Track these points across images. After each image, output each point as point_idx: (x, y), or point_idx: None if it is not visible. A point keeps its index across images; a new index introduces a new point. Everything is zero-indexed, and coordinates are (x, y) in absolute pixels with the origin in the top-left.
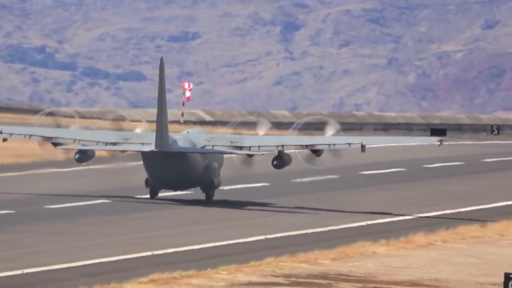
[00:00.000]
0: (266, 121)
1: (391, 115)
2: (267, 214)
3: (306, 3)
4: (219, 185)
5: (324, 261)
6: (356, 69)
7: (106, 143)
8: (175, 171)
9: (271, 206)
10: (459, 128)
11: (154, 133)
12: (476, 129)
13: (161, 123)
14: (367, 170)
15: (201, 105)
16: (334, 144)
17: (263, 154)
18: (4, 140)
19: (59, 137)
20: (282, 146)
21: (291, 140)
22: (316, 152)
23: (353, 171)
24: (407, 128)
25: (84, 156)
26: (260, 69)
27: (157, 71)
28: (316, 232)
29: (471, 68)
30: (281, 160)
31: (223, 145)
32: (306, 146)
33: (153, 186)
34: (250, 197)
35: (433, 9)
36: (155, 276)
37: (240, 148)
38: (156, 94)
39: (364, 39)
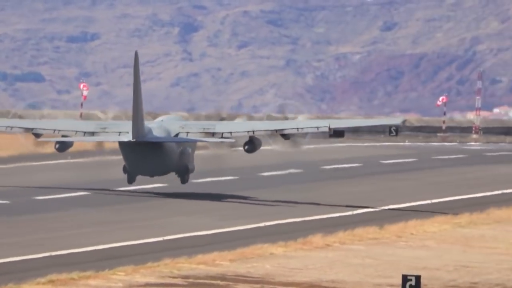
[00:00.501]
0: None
1: (289, 116)
2: (167, 215)
3: (205, 4)
4: (193, 169)
5: (222, 262)
6: (254, 70)
7: (85, 133)
8: (151, 159)
9: (170, 208)
10: (357, 130)
11: (131, 122)
12: (374, 130)
13: (137, 114)
14: (265, 171)
15: (100, 106)
16: (302, 128)
17: (234, 140)
18: None
19: (40, 128)
20: (253, 131)
21: (261, 125)
22: (285, 136)
23: (252, 172)
24: None
25: (64, 146)
26: (158, 70)
27: (56, 72)
28: (214, 234)
29: (369, 70)
30: (252, 144)
31: (196, 132)
32: (276, 130)
33: (130, 173)
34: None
35: (331, 11)
36: (53, 276)
37: (213, 134)
38: (54, 95)
39: (262, 40)
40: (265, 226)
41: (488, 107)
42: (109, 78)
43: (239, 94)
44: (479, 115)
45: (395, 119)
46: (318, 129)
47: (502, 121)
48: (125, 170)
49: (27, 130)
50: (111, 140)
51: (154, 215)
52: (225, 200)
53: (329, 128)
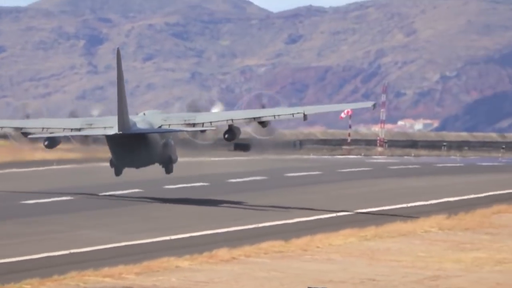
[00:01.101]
0: (219, 102)
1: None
2: (73, 228)
3: (110, 17)
4: (176, 160)
5: (128, 276)
6: (160, 83)
7: (72, 129)
8: (137, 151)
9: (75, 221)
10: (262, 143)
11: (116, 117)
12: (279, 144)
13: (121, 108)
14: (171, 184)
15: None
16: (278, 115)
17: (215, 129)
18: None
19: (29, 127)
20: (232, 120)
21: (240, 114)
22: (263, 123)
23: (157, 185)
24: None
25: (53, 142)
26: (63, 83)
27: None
28: (121, 247)
29: (275, 82)
30: (232, 133)
31: (178, 124)
32: (254, 118)
33: (117, 165)
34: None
35: (236, 24)
36: None
37: (194, 125)
38: None
39: (167, 53)
40: (172, 240)
41: (393, 120)
42: (15, 91)
43: (145, 107)
44: (383, 127)
45: (366, 103)
46: (293, 115)
47: (407, 134)
48: (111, 163)
49: (17, 129)
50: (98, 134)
51: (62, 228)
52: (134, 212)
53: (304, 115)
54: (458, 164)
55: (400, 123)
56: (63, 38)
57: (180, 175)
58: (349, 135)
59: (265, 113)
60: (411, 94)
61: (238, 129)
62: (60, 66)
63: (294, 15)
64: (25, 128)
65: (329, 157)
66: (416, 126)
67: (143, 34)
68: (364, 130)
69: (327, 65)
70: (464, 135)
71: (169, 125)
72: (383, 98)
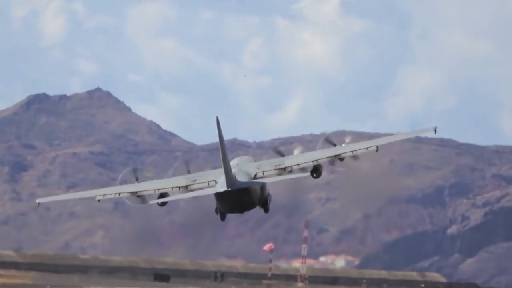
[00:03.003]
0: (299, 145)
1: (116, 259)
2: None
3: (35, 144)
4: (271, 199)
5: None
6: (83, 212)
7: (179, 187)
8: (242, 201)
9: None
10: (183, 274)
11: (216, 171)
12: (200, 275)
13: (226, 167)
14: None
15: None
16: (355, 150)
17: (313, 176)
18: (98, 201)
19: (142, 190)
20: (317, 160)
21: (321, 154)
22: (342, 159)
23: None
24: (132, 272)
25: (165, 202)
26: None
27: None
28: None
29: (196, 215)
30: (318, 171)
31: (270, 169)
32: (335, 156)
33: (223, 212)
34: None
35: (160, 155)
36: None
37: (284, 169)
38: None
39: (91, 181)
40: None
41: (314, 255)
42: None
43: (67, 235)
44: (305, 263)
45: (428, 130)
46: (368, 149)
47: (329, 270)
48: (217, 211)
49: (133, 193)
50: (209, 193)
51: None
52: None
53: (376, 147)
54: None
55: (321, 259)
56: None
57: None
58: (270, 269)
59: (343, 150)
60: (334, 231)
61: (321, 166)
62: None
63: (218, 148)
64: (140, 191)
65: None
66: (338, 263)
67: (67, 162)
68: (284, 265)
69: None
70: (383, 273)
71: (263, 171)
72: (305, 233)
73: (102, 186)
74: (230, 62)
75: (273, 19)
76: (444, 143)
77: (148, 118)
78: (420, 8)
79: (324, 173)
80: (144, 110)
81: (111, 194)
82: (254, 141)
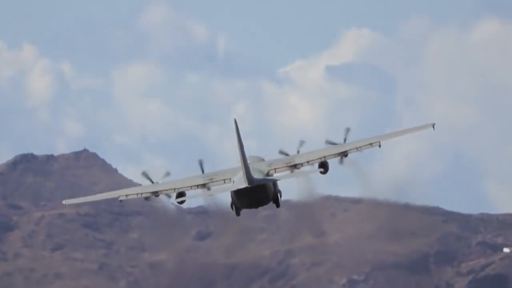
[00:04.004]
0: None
1: None
2: None
3: (20, 204)
4: (281, 194)
5: None
6: (67, 273)
7: (198, 185)
8: (260, 197)
9: None
10: None
11: (230, 169)
12: None
13: (246, 165)
14: None
15: None
16: (360, 146)
17: (321, 171)
18: (120, 201)
19: (162, 190)
20: (324, 157)
21: (328, 152)
22: (325, 167)
23: None
24: None
25: (183, 200)
26: None
27: None
28: None
29: (182, 278)
30: (325, 167)
31: (281, 167)
32: (341, 153)
33: (238, 207)
34: None
35: (146, 217)
36: None
37: (295, 166)
38: None
39: (77, 242)
40: None
41: None
42: None
43: None
44: None
45: (427, 125)
46: (372, 145)
47: None
48: (232, 206)
49: (154, 193)
50: (230, 189)
51: None
52: None
53: (379, 144)
54: None
55: None
56: None
57: None
58: None
59: (349, 147)
60: None
61: (328, 163)
62: None
63: (204, 212)
64: (161, 191)
65: None
66: None
67: (54, 223)
68: None
69: (235, 262)
70: None
71: (275, 169)
72: None
73: (88, 247)
74: (217, 124)
75: (260, 83)
76: (430, 211)
77: (135, 179)
78: (405, 74)
79: (309, 238)
80: (131, 172)
81: (133, 194)
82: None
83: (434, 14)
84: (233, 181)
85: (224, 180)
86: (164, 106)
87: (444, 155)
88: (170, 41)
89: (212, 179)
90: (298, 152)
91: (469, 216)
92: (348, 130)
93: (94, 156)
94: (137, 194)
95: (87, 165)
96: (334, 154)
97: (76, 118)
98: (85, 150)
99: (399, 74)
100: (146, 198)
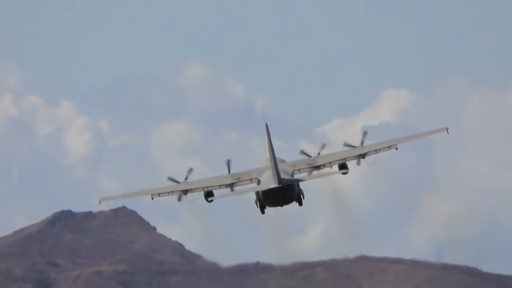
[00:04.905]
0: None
1: None
2: None
3: (58, 262)
4: (303, 194)
5: None
6: None
7: (226, 185)
8: (287, 196)
9: None
10: None
11: (256, 169)
12: None
13: (275, 165)
14: None
15: None
16: (379, 149)
17: (343, 172)
18: (152, 198)
19: (192, 188)
20: (345, 158)
21: (348, 153)
22: (345, 167)
23: None
24: None
25: (212, 198)
26: None
27: None
28: None
29: None
30: (346, 168)
31: (304, 167)
32: (360, 155)
33: (263, 205)
34: None
35: (184, 276)
36: None
37: (317, 167)
38: None
39: None
40: None
41: None
42: None
43: None
44: None
45: (441, 129)
46: (390, 147)
47: None
48: (257, 204)
49: (184, 191)
50: (260, 189)
51: None
52: None
53: (397, 147)
54: None
55: None
56: (10, 280)
57: None
58: None
59: (368, 149)
60: None
61: (346, 163)
62: None
63: (242, 271)
64: (191, 189)
65: None
66: None
67: (91, 280)
68: None
69: None
70: None
71: (299, 169)
72: None
73: None
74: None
75: (297, 142)
76: (468, 271)
77: (173, 238)
78: (444, 136)
79: None
80: (169, 230)
81: (164, 192)
82: (278, 264)
83: (472, 74)
84: (259, 181)
85: (251, 179)
86: (201, 164)
87: (482, 216)
88: (208, 99)
89: (239, 178)
90: (318, 154)
91: (507, 277)
92: (365, 133)
93: (133, 213)
94: (169, 192)
95: (125, 222)
96: (354, 156)
97: (114, 175)
98: (123, 208)
99: (437, 136)
100: (179, 199)
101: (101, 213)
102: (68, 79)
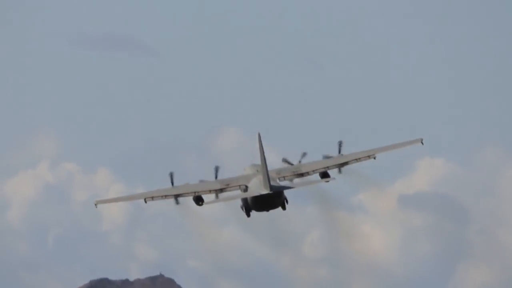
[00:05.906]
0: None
1: None
2: None
3: None
4: (287, 200)
5: None
6: None
7: (216, 190)
8: (274, 201)
9: None
10: None
11: (243, 176)
12: None
13: (266, 173)
14: None
15: None
16: (359, 158)
17: (327, 181)
18: (146, 202)
19: (183, 193)
20: (327, 167)
21: (330, 162)
22: (327, 175)
23: None
24: None
25: (202, 202)
26: None
27: None
28: None
29: None
30: (328, 176)
31: (289, 175)
32: (342, 164)
33: (248, 209)
34: None
35: None
36: None
37: (301, 174)
38: None
39: None
40: None
41: None
42: None
43: None
44: None
45: (415, 141)
46: (369, 157)
47: None
48: (243, 208)
49: (177, 196)
50: (253, 195)
51: None
52: None
53: (375, 156)
54: None
55: None
56: None
57: None
58: None
59: (348, 158)
60: None
61: (328, 172)
62: None
63: None
64: (182, 194)
65: None
66: None
67: None
68: None
69: None
70: None
71: (284, 177)
72: None
73: None
74: (289, 252)
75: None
76: None
77: None
78: (479, 204)
79: None
80: None
81: (158, 196)
82: None
83: (509, 144)
84: (247, 187)
85: (239, 186)
86: (238, 233)
87: None
88: (242, 164)
89: (228, 184)
90: (299, 162)
91: None
92: (341, 143)
93: (171, 281)
94: (162, 196)
95: None
96: (336, 165)
97: (151, 243)
98: (161, 276)
99: (472, 204)
100: (176, 201)
101: (138, 281)
102: (104, 146)
